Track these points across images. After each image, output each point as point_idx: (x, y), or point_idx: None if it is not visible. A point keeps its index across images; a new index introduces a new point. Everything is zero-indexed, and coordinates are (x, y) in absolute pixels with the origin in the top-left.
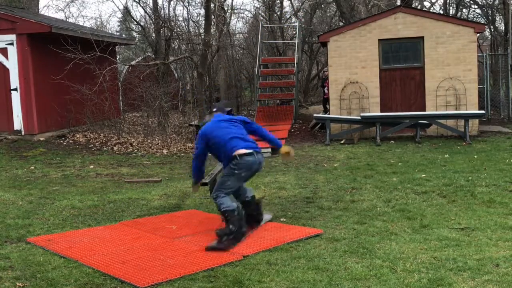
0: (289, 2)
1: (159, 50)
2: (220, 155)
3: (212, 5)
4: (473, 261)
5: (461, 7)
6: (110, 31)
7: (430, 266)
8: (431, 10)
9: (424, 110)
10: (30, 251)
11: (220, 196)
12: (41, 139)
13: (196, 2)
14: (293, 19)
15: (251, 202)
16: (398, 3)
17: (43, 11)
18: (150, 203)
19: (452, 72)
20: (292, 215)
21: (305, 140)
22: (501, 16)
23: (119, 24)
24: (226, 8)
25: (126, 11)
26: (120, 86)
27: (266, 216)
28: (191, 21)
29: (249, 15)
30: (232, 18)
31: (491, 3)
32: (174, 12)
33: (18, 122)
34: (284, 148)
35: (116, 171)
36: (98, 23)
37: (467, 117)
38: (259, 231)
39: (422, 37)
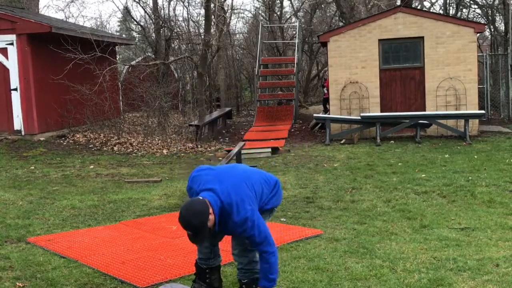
0: (289, 2)
1: (159, 50)
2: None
3: (212, 5)
4: (473, 261)
5: (461, 7)
6: (110, 31)
7: (430, 266)
8: (431, 10)
9: (424, 110)
10: (30, 251)
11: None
12: (41, 139)
13: (196, 2)
14: (293, 19)
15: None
16: (398, 3)
17: (43, 11)
18: (150, 203)
19: (452, 72)
20: (292, 215)
21: (305, 140)
22: (501, 16)
23: (119, 24)
24: (226, 8)
25: (126, 11)
26: (120, 86)
27: None
28: (191, 21)
29: (249, 15)
30: (232, 18)
31: (491, 3)
32: (174, 12)
33: (18, 122)
34: None
35: (116, 171)
36: (98, 23)
37: (467, 117)
38: None
39: (422, 37)
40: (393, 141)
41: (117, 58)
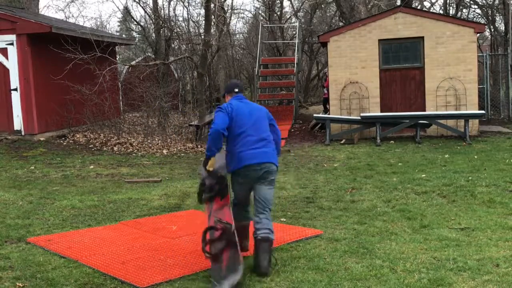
0: (289, 2)
1: (159, 50)
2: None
3: (212, 5)
4: (473, 261)
5: (461, 7)
6: (110, 31)
7: (430, 266)
8: (431, 10)
9: (424, 110)
10: (30, 251)
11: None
12: (41, 139)
13: (196, 2)
14: (293, 19)
15: None
16: (398, 3)
17: (43, 11)
18: (150, 203)
19: (452, 72)
20: (292, 215)
21: (305, 140)
22: (501, 16)
23: (119, 24)
24: (226, 8)
25: (126, 11)
26: (120, 86)
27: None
28: (191, 21)
29: (249, 15)
30: (232, 18)
31: (491, 3)
32: (174, 12)
33: (18, 122)
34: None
35: (116, 171)
36: (98, 23)
37: (467, 117)
38: None
39: (422, 37)
40: (393, 141)
41: (117, 58)
